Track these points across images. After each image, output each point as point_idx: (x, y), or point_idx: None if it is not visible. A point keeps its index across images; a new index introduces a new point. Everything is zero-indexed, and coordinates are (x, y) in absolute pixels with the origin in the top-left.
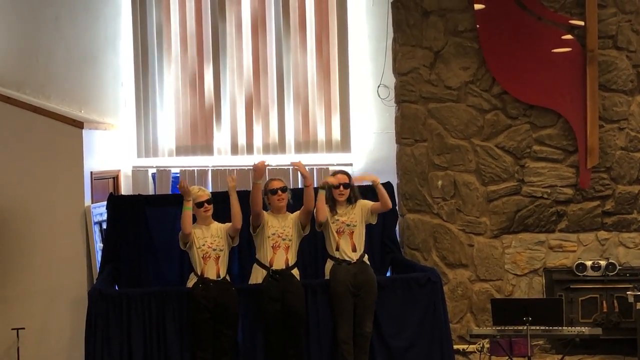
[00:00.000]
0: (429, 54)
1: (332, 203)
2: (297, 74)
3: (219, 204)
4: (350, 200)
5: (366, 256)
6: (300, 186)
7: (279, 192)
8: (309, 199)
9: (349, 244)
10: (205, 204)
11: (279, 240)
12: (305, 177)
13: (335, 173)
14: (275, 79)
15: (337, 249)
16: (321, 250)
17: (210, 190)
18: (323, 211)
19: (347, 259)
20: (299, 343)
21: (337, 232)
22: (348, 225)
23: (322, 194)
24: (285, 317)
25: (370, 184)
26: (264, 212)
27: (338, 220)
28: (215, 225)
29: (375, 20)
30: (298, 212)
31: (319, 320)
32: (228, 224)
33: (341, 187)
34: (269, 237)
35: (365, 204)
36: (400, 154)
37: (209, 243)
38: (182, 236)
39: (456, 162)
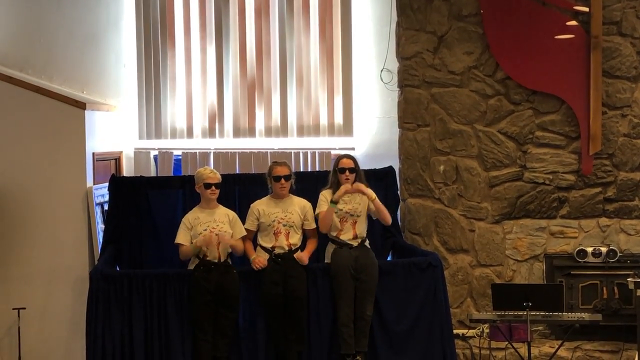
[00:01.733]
0: (432, 38)
1: (337, 187)
2: (300, 57)
3: (221, 186)
4: None
5: (367, 240)
6: (302, 170)
7: (282, 180)
8: (327, 222)
9: (350, 232)
10: (213, 187)
11: (280, 227)
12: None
13: (341, 157)
14: (278, 62)
15: (339, 235)
16: (322, 233)
17: None
18: (327, 225)
19: (349, 242)
20: (300, 327)
21: (340, 221)
22: (352, 215)
23: (332, 208)
24: (287, 301)
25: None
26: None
27: (342, 210)
28: (221, 210)
29: (379, 3)
30: (309, 207)
31: (319, 304)
32: (234, 215)
33: (347, 172)
34: (269, 225)
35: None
36: (402, 139)
37: (211, 228)
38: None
39: (458, 147)
